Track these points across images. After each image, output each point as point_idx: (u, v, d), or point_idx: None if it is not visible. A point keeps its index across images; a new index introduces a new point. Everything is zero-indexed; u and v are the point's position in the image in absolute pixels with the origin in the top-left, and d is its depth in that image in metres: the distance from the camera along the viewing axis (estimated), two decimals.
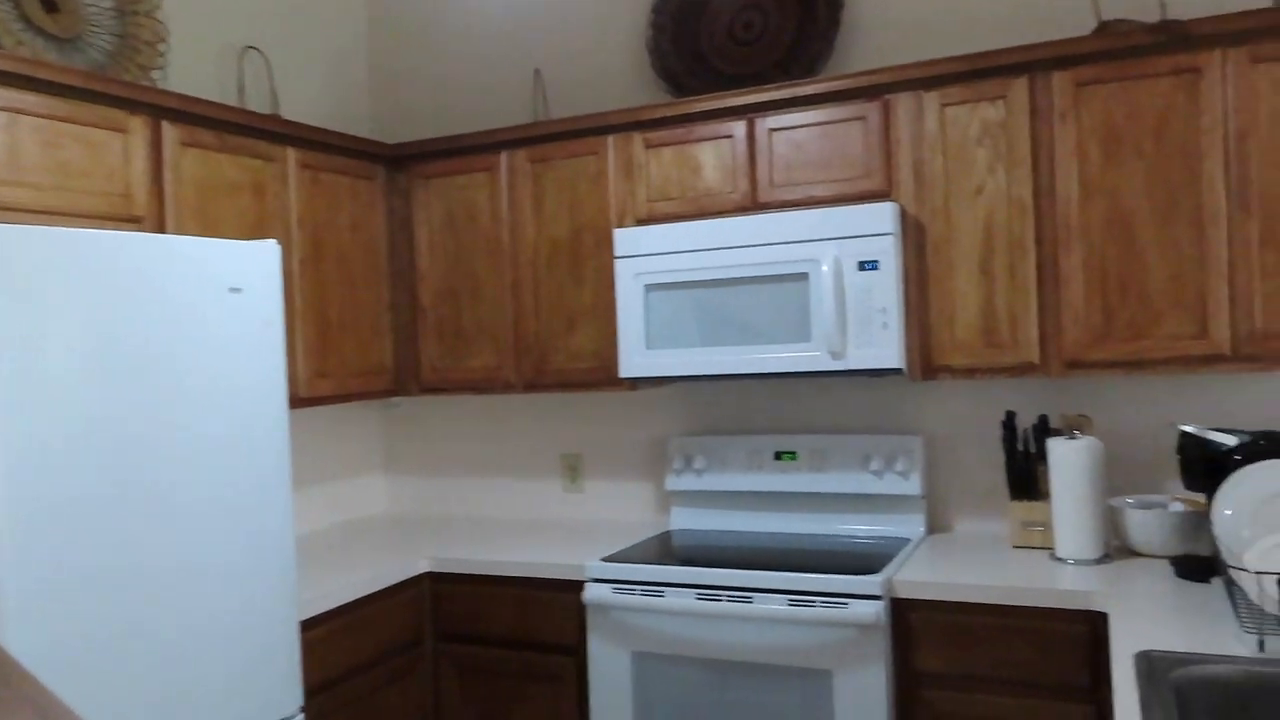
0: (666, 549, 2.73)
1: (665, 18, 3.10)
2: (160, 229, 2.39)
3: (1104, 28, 2.44)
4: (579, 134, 2.91)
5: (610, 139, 2.87)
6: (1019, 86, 2.45)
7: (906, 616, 2.30)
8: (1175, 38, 2.30)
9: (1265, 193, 2.26)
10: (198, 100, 2.48)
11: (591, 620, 2.56)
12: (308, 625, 2.37)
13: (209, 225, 2.52)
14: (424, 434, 3.55)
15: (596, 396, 3.27)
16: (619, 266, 2.75)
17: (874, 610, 2.24)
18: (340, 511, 3.41)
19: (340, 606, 2.48)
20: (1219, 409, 2.56)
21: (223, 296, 2.10)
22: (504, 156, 3.02)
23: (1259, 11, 2.22)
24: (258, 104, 3.06)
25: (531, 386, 3.00)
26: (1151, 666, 1.64)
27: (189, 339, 2.03)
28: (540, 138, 2.96)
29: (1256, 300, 2.26)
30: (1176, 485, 2.57)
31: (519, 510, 3.40)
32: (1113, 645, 1.78)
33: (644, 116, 2.81)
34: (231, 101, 2.97)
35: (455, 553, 2.82)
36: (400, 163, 3.18)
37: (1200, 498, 2.45)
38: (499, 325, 3.04)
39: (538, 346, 2.98)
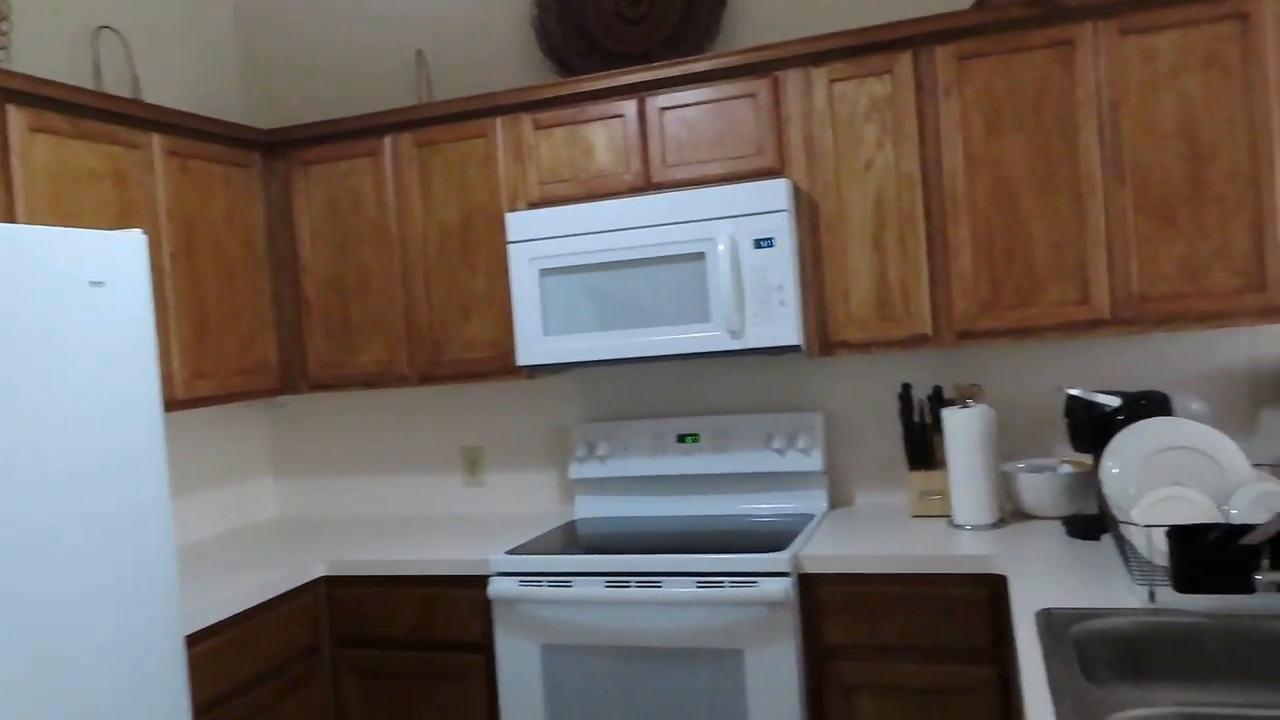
0: (572, 538, 2.68)
1: None
2: (9, 220, 2.21)
3: (982, 2, 2.49)
4: (466, 116, 2.82)
5: (498, 120, 2.79)
6: (904, 61, 2.47)
7: (814, 591, 2.31)
8: (1049, 10, 2.35)
9: (1137, 162, 2.33)
10: (47, 82, 2.30)
11: (498, 615, 2.49)
12: (194, 640, 2.23)
13: (66, 217, 2.34)
14: (314, 433, 3.41)
15: (495, 387, 3.19)
16: (512, 251, 2.68)
17: (782, 587, 2.24)
18: (228, 518, 3.24)
19: (229, 618, 2.35)
20: (1101, 372, 2.65)
21: (83, 292, 1.95)
22: (388, 141, 2.90)
23: None
24: (116, 88, 2.87)
25: (427, 379, 2.90)
26: (1051, 623, 1.68)
27: (46, 339, 1.87)
28: (425, 120, 2.85)
29: (1133, 265, 2.34)
30: (1064, 448, 2.65)
31: (419, 507, 3.30)
32: (1013, 605, 1.81)
33: (532, 97, 2.74)
34: (86, 85, 2.77)
35: (352, 554, 2.71)
36: (277, 149, 3.03)
37: (1087, 459, 2.53)
38: (390, 316, 2.93)
39: (431, 337, 2.88)
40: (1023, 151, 2.40)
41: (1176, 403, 2.24)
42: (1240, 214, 2.27)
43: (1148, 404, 2.19)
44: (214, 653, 2.29)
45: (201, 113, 3.21)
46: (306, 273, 3.02)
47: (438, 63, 3.20)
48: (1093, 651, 1.63)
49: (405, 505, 3.31)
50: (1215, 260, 2.29)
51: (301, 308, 3.03)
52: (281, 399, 3.42)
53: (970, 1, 2.61)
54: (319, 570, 2.66)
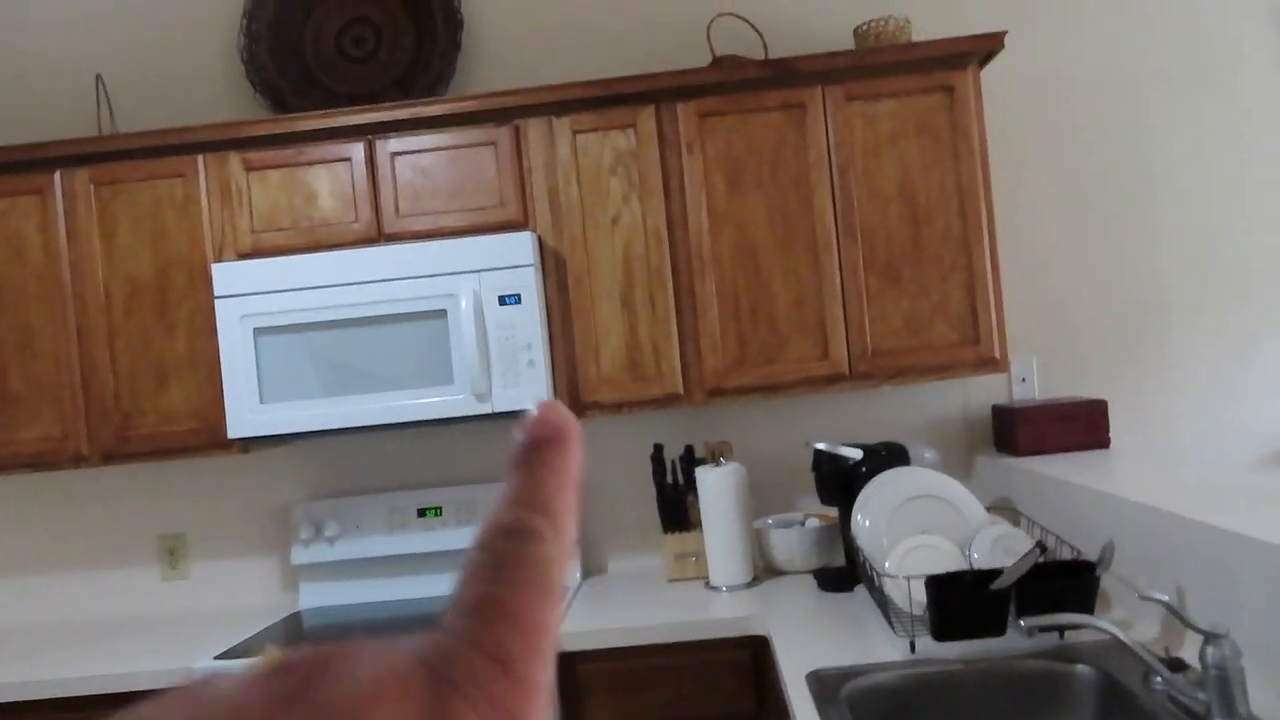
0: (297, 634, 2.35)
1: (261, 26, 2.73)
2: None
3: (718, 62, 2.52)
4: (160, 151, 2.45)
5: (201, 158, 2.45)
6: (646, 115, 2.44)
7: (573, 670, 2.15)
8: (783, 73, 2.42)
9: (865, 222, 2.43)
10: None
11: None
12: None
13: None
14: None
15: (200, 464, 2.77)
16: (220, 308, 2.34)
17: None
18: None
19: None
20: (837, 426, 2.73)
21: None
22: (58, 176, 2.46)
23: (850, 53, 2.40)
24: None
25: (111, 458, 2.46)
26: (822, 684, 1.64)
27: None
28: (107, 154, 2.45)
29: (866, 321, 2.43)
30: (808, 502, 2.70)
31: (104, 609, 2.79)
32: (782, 670, 1.76)
33: (242, 134, 2.43)
34: None
35: (9, 674, 2.21)
36: None
37: (831, 511, 2.58)
38: (62, 385, 2.46)
39: (118, 409, 2.45)
40: (763, 210, 2.44)
41: (912, 452, 2.33)
42: (955, 273, 2.42)
43: (887, 455, 2.26)
44: None
45: None
46: None
47: (123, 91, 2.79)
48: (863, 709, 1.60)
49: (84, 608, 2.79)
50: (936, 316, 2.42)
51: None
52: None
53: (707, 62, 2.64)
54: None
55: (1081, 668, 1.57)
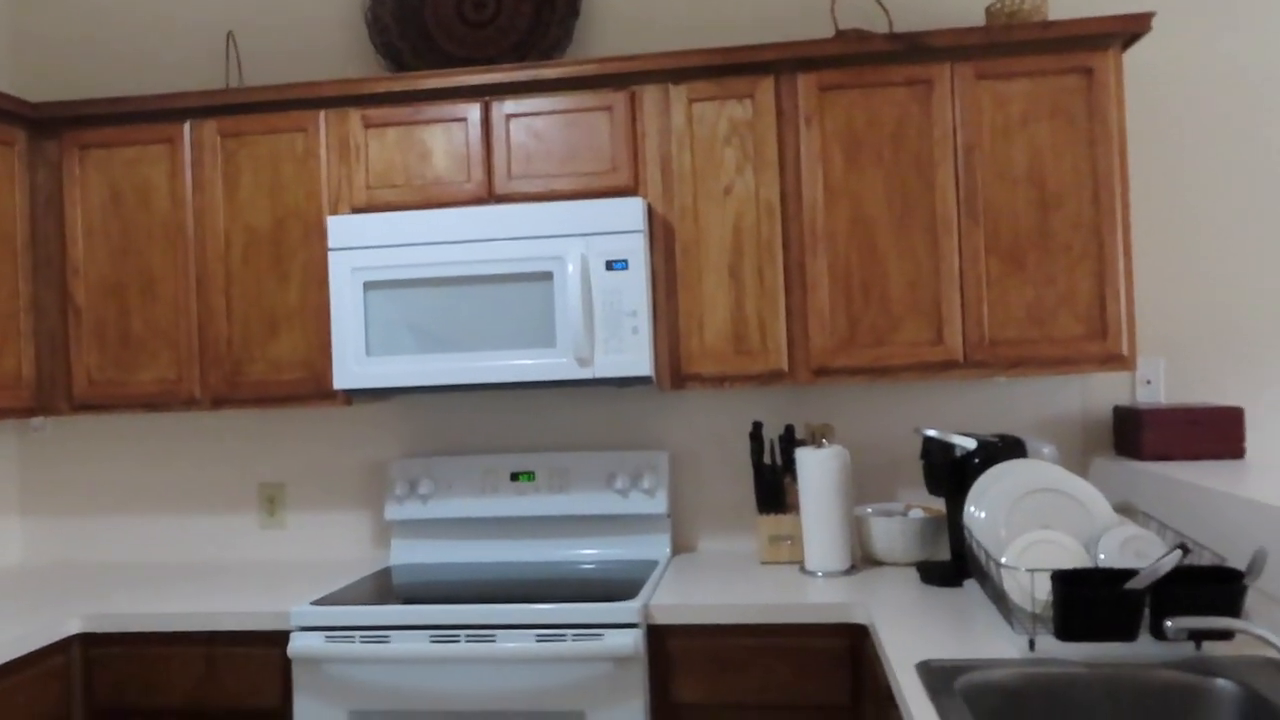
0: (388, 588, 2.36)
1: None
2: None
3: (842, 35, 2.44)
4: (284, 105, 2.49)
5: (322, 114, 2.48)
6: (765, 86, 2.38)
7: (664, 644, 2.11)
8: (911, 48, 2.33)
9: (990, 204, 2.33)
10: None
11: (299, 677, 2.13)
12: None
13: None
14: (77, 462, 2.90)
15: (303, 414, 2.82)
16: (333, 260, 2.37)
17: (631, 640, 2.02)
18: None
19: None
20: (944, 414, 2.62)
21: None
22: (188, 127, 2.53)
23: (983, 29, 2.30)
24: None
25: (222, 403, 2.51)
26: (933, 677, 1.55)
27: None
28: (235, 107, 2.50)
29: (984, 308, 2.32)
30: (910, 493, 2.60)
31: (205, 552, 2.86)
32: (890, 657, 1.68)
33: (363, 90, 2.46)
34: None
35: (117, 607, 2.27)
36: (50, 127, 2.58)
37: (937, 503, 2.48)
38: (179, 329, 2.52)
39: (230, 355, 2.50)
40: (881, 187, 2.35)
41: (1029, 446, 2.22)
42: (1084, 262, 2.30)
43: (1003, 447, 2.16)
44: None
45: None
46: (77, 274, 2.56)
47: (251, 48, 2.85)
48: (980, 705, 1.51)
49: (187, 550, 2.86)
50: (1061, 307, 2.30)
51: (69, 315, 2.57)
52: (36, 420, 2.90)
53: (833, 31, 2.56)
54: (73, 627, 2.21)
55: (1222, 682, 1.45)
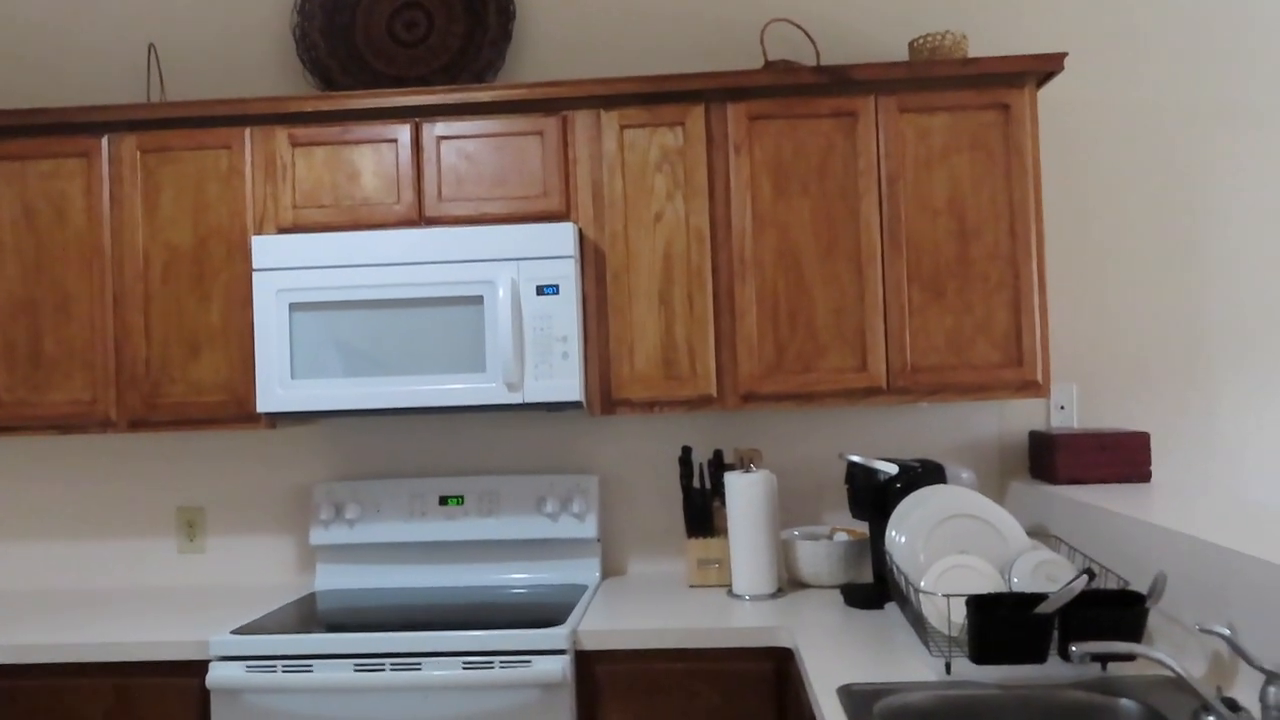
0: (312, 614, 2.32)
1: (314, 5, 2.73)
2: None
3: (770, 65, 2.49)
4: (208, 121, 2.44)
5: (248, 131, 2.44)
6: (696, 115, 2.41)
7: (592, 670, 2.11)
8: (837, 80, 2.38)
9: (912, 234, 2.39)
10: None
11: (217, 709, 2.08)
12: None
13: None
14: None
15: (225, 437, 2.76)
16: (257, 280, 2.32)
17: (559, 666, 2.02)
18: None
19: None
20: (866, 439, 2.68)
21: None
22: (106, 141, 2.46)
23: (906, 64, 2.37)
24: None
25: (139, 425, 2.44)
26: (854, 701, 1.59)
27: None
28: (157, 121, 2.45)
29: (906, 335, 2.38)
30: (836, 516, 2.65)
31: (120, 579, 2.77)
32: (812, 682, 1.71)
33: (290, 109, 2.43)
34: None
35: (22, 636, 2.19)
36: None
37: (860, 526, 2.53)
38: (95, 349, 2.45)
39: (148, 376, 2.44)
40: (808, 216, 2.40)
41: (948, 471, 2.28)
42: (1001, 292, 2.38)
43: (923, 472, 2.22)
44: None
45: None
46: None
47: (174, 62, 2.79)
48: None
49: (102, 576, 2.77)
50: (978, 334, 2.38)
51: None
52: None
53: (762, 62, 2.61)
54: None
55: (1126, 702, 1.52)
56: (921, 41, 2.48)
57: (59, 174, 2.47)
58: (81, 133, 2.46)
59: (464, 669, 2.04)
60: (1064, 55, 2.33)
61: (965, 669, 1.67)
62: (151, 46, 2.69)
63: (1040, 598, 1.63)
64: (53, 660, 2.14)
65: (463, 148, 2.43)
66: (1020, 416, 2.67)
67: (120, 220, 2.46)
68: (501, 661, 2.05)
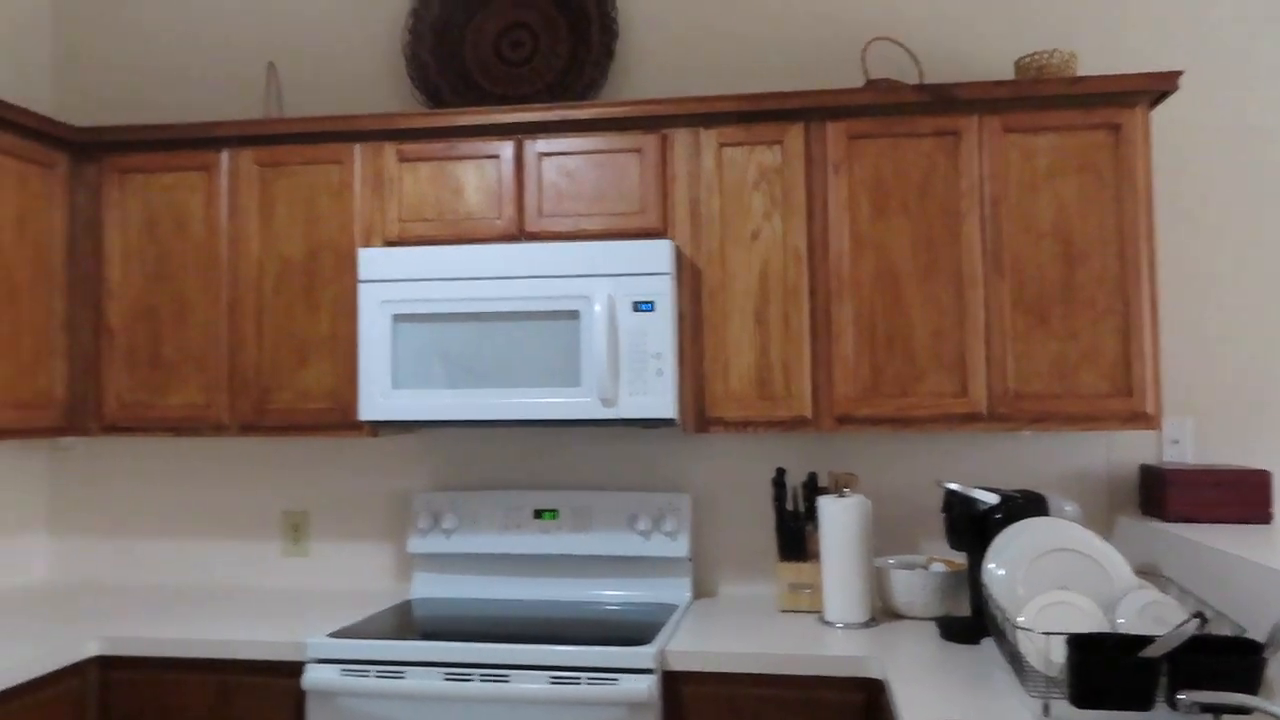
0: (407, 622, 2.37)
1: (425, 26, 2.81)
2: None
3: (872, 84, 2.46)
4: (321, 138, 2.54)
5: (358, 147, 2.53)
6: (795, 133, 2.40)
7: (678, 691, 2.10)
8: (940, 99, 2.34)
9: (1016, 257, 2.33)
10: None
11: (312, 711, 2.14)
12: None
13: None
14: (104, 483, 2.94)
15: (329, 443, 2.84)
16: (363, 292, 2.40)
17: (645, 686, 2.02)
18: None
19: None
20: (965, 467, 2.61)
21: None
22: (225, 155, 2.57)
23: (1011, 82, 2.31)
24: None
25: (249, 429, 2.54)
26: None
27: None
28: (273, 137, 2.55)
29: (1009, 361, 2.31)
30: (932, 546, 2.59)
31: (226, 578, 2.88)
32: (902, 716, 1.67)
33: (399, 125, 2.50)
34: None
35: (135, 630, 2.29)
36: (90, 151, 2.63)
37: (958, 557, 2.46)
38: (210, 355, 2.56)
39: (259, 382, 2.53)
40: (907, 236, 2.36)
41: (1051, 504, 2.20)
42: (1109, 319, 2.29)
43: (1025, 503, 2.14)
44: None
45: None
46: (112, 296, 2.61)
47: (292, 79, 2.91)
48: None
49: (209, 575, 2.88)
50: (1084, 362, 2.30)
51: (102, 336, 2.61)
52: (66, 440, 2.93)
53: (863, 81, 2.58)
54: (91, 649, 2.22)
55: None
56: (1029, 60, 2.41)
57: (180, 186, 2.59)
58: (202, 147, 2.58)
59: (551, 683, 2.05)
60: (1179, 74, 2.24)
61: (1064, 712, 1.60)
62: (270, 65, 2.81)
63: (1147, 640, 1.55)
64: (164, 654, 2.23)
65: (563, 164, 2.47)
66: (1131, 449, 2.57)
67: (237, 231, 2.56)
68: (588, 678, 2.05)
